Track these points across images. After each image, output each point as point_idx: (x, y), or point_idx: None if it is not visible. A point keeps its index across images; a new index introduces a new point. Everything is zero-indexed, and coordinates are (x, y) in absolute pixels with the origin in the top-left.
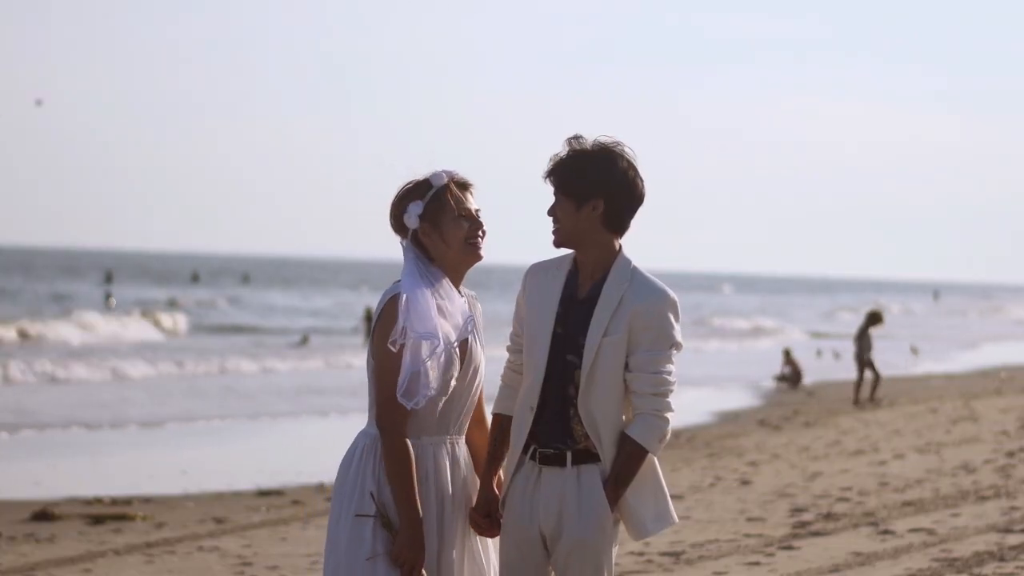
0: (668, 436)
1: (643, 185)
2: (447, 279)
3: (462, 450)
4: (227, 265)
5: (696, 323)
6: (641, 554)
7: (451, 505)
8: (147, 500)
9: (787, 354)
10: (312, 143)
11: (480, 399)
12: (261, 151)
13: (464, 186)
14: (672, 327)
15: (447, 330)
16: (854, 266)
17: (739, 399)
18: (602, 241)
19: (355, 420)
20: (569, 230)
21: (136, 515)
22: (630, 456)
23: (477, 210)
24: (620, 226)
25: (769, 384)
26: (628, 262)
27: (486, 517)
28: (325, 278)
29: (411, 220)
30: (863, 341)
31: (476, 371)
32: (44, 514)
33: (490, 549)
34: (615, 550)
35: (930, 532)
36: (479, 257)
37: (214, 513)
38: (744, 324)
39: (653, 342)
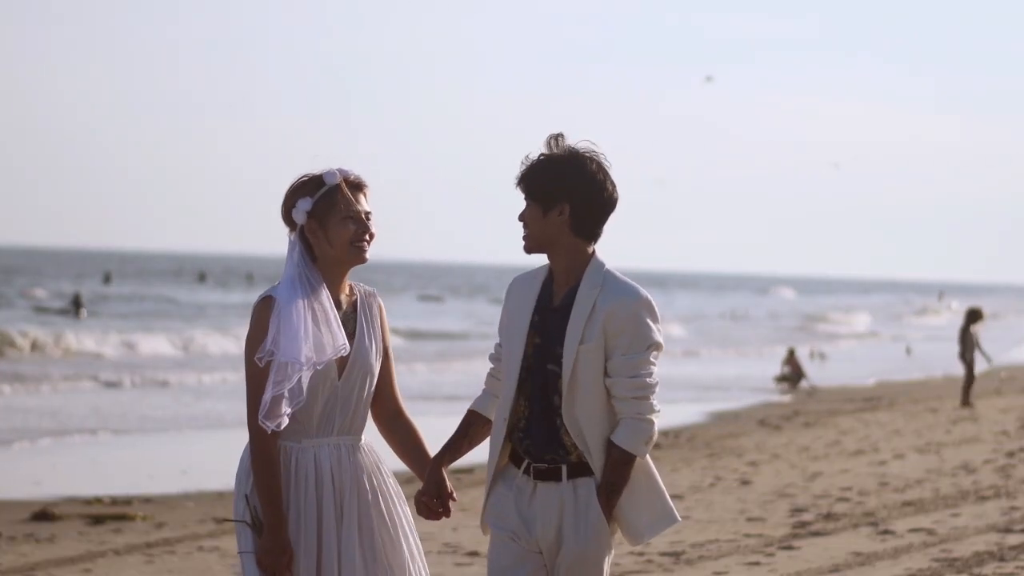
0: (655, 438)
1: (614, 190)
2: (325, 287)
3: (358, 450)
4: (231, 265)
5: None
6: (641, 554)
7: (337, 507)
8: (147, 500)
9: (790, 353)
10: (313, 143)
11: (393, 394)
12: (263, 151)
13: (358, 187)
14: (648, 328)
15: (321, 342)
16: (855, 266)
17: (739, 399)
18: (572, 247)
19: None
20: (537, 236)
21: (136, 515)
22: (618, 463)
23: (368, 213)
24: (589, 232)
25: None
26: (601, 266)
27: (435, 499)
28: None
29: (299, 216)
30: (966, 340)
31: (364, 373)
32: (44, 514)
33: (402, 550)
34: (611, 555)
35: (930, 532)
36: (363, 260)
37: (214, 513)
38: (859, 326)
39: (629, 345)
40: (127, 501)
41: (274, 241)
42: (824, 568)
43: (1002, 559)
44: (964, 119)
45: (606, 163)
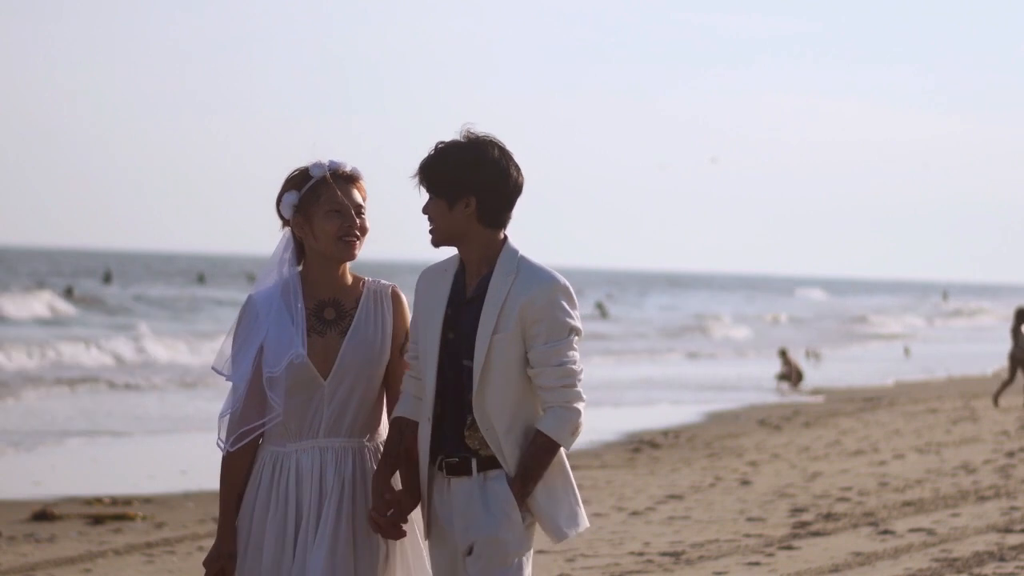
0: (580, 428)
1: (519, 175)
2: (300, 288)
3: (355, 453)
4: (231, 265)
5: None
6: (641, 554)
7: (314, 514)
8: (147, 500)
9: (783, 354)
10: (314, 143)
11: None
12: (265, 151)
13: (350, 180)
14: (566, 314)
15: (278, 350)
16: (854, 267)
17: (739, 399)
18: (482, 237)
19: None
20: (444, 230)
21: (136, 515)
22: (539, 449)
23: (360, 206)
24: (497, 220)
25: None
26: (514, 253)
27: (385, 515)
28: None
29: (286, 210)
30: (1019, 339)
31: (359, 372)
32: (44, 514)
33: (408, 552)
34: (530, 557)
35: (930, 532)
36: (351, 255)
37: (214, 513)
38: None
39: (550, 333)
40: (127, 501)
41: (275, 241)
42: (824, 568)
43: (1002, 559)
44: (963, 118)
45: (506, 148)
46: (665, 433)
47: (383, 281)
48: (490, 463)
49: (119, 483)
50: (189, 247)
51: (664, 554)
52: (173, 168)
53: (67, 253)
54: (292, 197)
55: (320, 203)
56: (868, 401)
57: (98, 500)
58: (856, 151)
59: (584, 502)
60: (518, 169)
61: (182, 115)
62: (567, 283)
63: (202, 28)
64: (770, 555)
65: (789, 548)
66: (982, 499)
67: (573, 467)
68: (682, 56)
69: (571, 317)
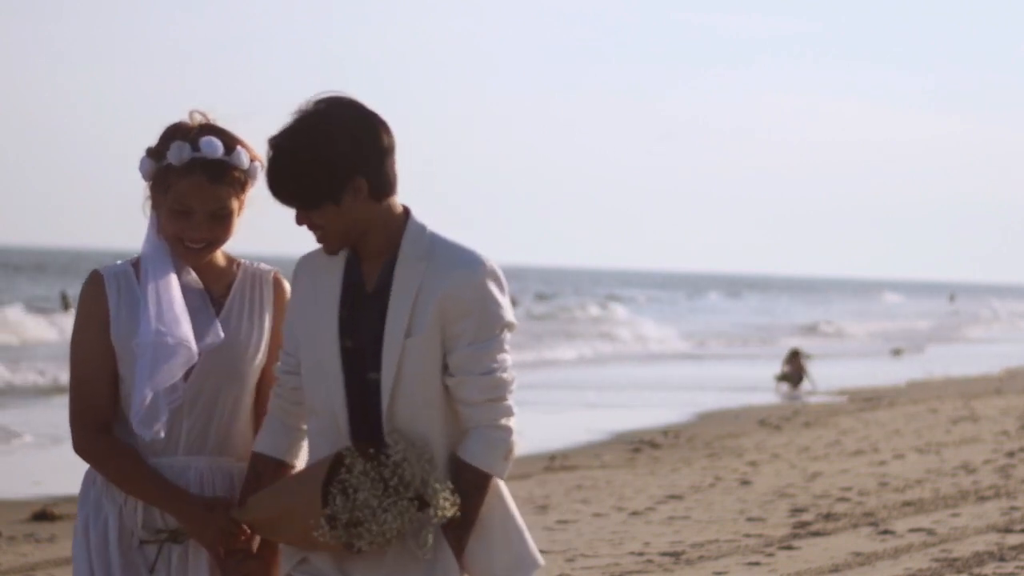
0: (514, 451)
1: (381, 124)
2: (171, 260)
3: (218, 476)
4: None
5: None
6: (641, 554)
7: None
8: None
9: (793, 354)
10: None
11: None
12: (264, 151)
13: (219, 176)
14: (497, 304)
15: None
16: (855, 267)
17: (739, 399)
18: (381, 216)
19: None
20: (341, 231)
21: None
22: (472, 487)
23: (220, 210)
24: (386, 185)
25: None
26: (421, 230)
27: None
28: None
29: (143, 170)
30: None
31: (227, 375)
32: (44, 514)
33: None
34: None
35: (930, 532)
36: (194, 264)
37: None
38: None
39: (477, 331)
40: None
41: (276, 241)
42: (824, 568)
43: (1002, 559)
44: (963, 118)
45: (353, 104)
46: (665, 433)
47: (263, 265)
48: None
49: None
50: None
51: (664, 554)
52: None
53: (69, 253)
54: (146, 166)
55: (168, 195)
56: (868, 401)
57: None
58: (856, 151)
59: (584, 502)
60: (376, 118)
61: (182, 115)
62: (494, 264)
63: (202, 28)
64: (770, 555)
65: (789, 548)
66: (982, 499)
67: (572, 467)
68: (682, 56)
69: (503, 309)
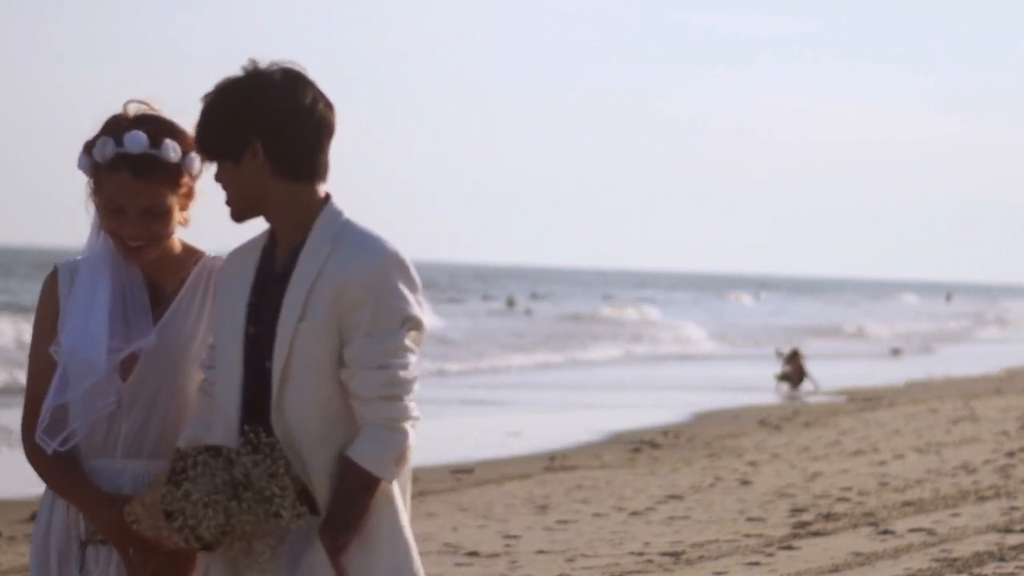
0: (409, 455)
1: (318, 104)
2: (111, 258)
3: (147, 476)
4: None
5: None
6: (641, 554)
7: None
8: None
9: (793, 354)
10: None
11: None
12: None
13: (144, 168)
14: (400, 296)
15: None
16: (855, 267)
17: (739, 399)
18: (287, 195)
19: None
20: (238, 194)
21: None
22: (354, 488)
23: (152, 206)
24: (299, 168)
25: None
26: (336, 215)
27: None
28: None
29: (81, 167)
30: None
31: (162, 376)
32: None
33: None
34: None
35: (930, 532)
36: (137, 262)
37: None
38: None
39: (374, 322)
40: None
41: None
42: (824, 568)
43: (1002, 559)
44: (963, 118)
45: (308, 76)
46: (665, 433)
47: (219, 257)
48: (301, 501)
49: None
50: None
51: (664, 554)
52: None
53: (70, 253)
54: (83, 162)
55: (102, 191)
56: (868, 401)
57: None
58: (856, 151)
59: (584, 502)
60: (319, 98)
61: (182, 115)
62: (404, 255)
63: (202, 28)
64: (770, 555)
65: (789, 548)
66: (982, 499)
67: (572, 467)
68: (682, 56)
69: (407, 302)
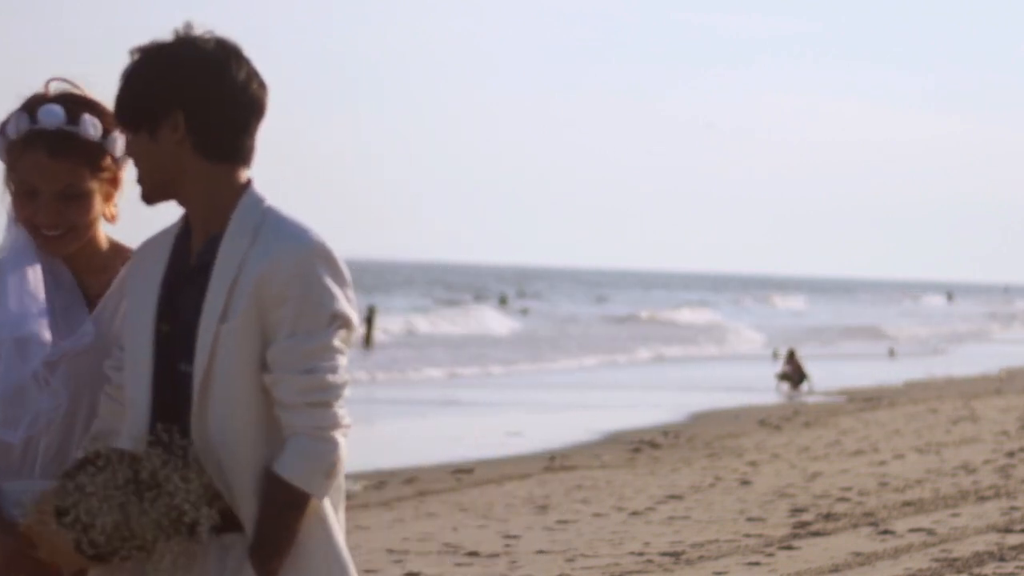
0: (340, 467)
1: (252, 82)
2: (31, 248)
3: None
4: None
5: None
6: (641, 554)
7: None
8: None
9: (791, 354)
10: (313, 142)
11: None
12: (264, 151)
13: (61, 146)
14: (325, 290)
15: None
16: (855, 267)
17: (739, 399)
18: (205, 176)
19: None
20: (152, 171)
21: None
22: (283, 507)
23: (68, 187)
24: (223, 148)
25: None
26: (257, 202)
27: None
28: None
29: None
30: None
31: (82, 385)
32: None
33: None
34: None
35: (930, 532)
36: (56, 253)
37: None
38: None
39: (297, 319)
40: None
41: None
42: (824, 568)
43: (1002, 559)
44: (963, 118)
45: (233, 48)
46: (665, 433)
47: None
48: (228, 522)
49: None
50: None
51: (664, 554)
52: None
53: None
54: None
55: (15, 172)
56: (868, 401)
57: None
58: (856, 151)
59: (584, 502)
60: (252, 75)
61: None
62: (329, 247)
63: (202, 28)
64: (770, 555)
65: (789, 548)
66: (982, 499)
67: (572, 467)
68: (682, 56)
69: (334, 297)
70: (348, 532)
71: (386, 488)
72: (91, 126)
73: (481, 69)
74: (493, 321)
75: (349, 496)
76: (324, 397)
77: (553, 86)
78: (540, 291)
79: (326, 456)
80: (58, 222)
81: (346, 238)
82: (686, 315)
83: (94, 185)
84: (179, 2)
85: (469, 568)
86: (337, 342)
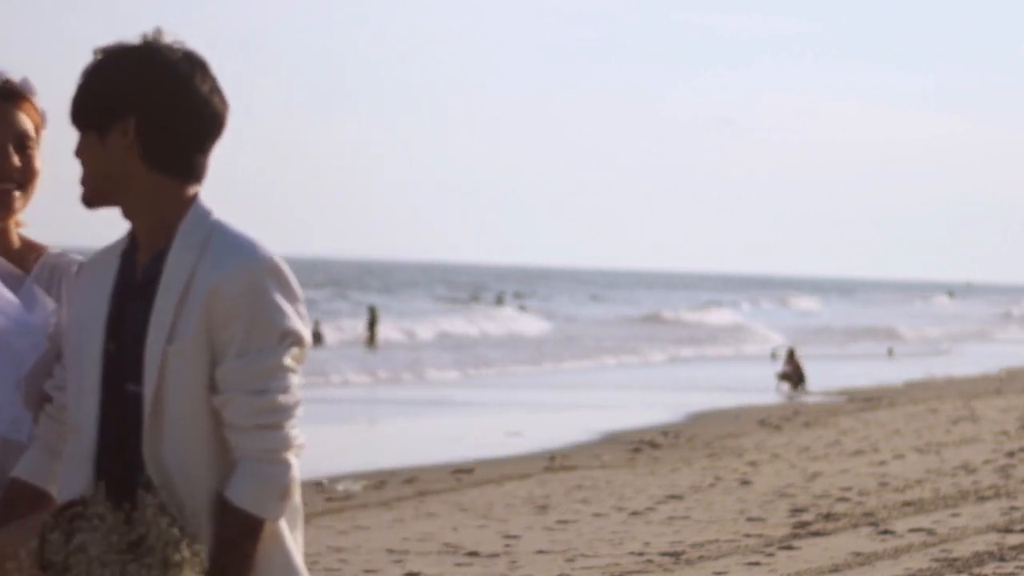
0: (293, 490)
1: (213, 96)
2: None
3: None
4: None
5: None
6: (641, 554)
7: None
8: None
9: (791, 354)
10: (314, 142)
11: None
12: (264, 151)
13: (10, 97)
14: (275, 307)
15: None
16: (855, 267)
17: (739, 399)
18: (152, 188)
19: (360, 414)
20: (96, 174)
21: None
22: (238, 535)
23: (22, 134)
24: (174, 161)
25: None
26: (204, 215)
27: None
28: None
29: None
30: None
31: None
32: None
33: None
34: None
35: (930, 532)
36: (7, 211)
37: None
38: None
39: (247, 338)
40: None
41: (281, 240)
42: (824, 568)
43: (1002, 559)
44: (963, 117)
45: (196, 59)
46: (665, 433)
47: (73, 256)
48: None
49: None
50: None
51: (664, 554)
52: None
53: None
54: None
55: None
56: (868, 401)
57: None
58: (856, 151)
59: (584, 502)
60: (214, 89)
61: None
62: (280, 261)
63: (202, 28)
64: (770, 555)
65: (789, 548)
66: (982, 499)
67: (572, 467)
68: (682, 56)
69: (284, 314)
70: (348, 532)
71: (386, 488)
72: (30, 87)
73: (481, 69)
74: (513, 323)
75: (350, 496)
76: (275, 419)
77: (553, 86)
78: (538, 291)
79: (278, 479)
80: (20, 169)
81: (346, 238)
82: (712, 316)
83: (36, 150)
84: (180, 2)
85: (469, 568)
86: (288, 360)
